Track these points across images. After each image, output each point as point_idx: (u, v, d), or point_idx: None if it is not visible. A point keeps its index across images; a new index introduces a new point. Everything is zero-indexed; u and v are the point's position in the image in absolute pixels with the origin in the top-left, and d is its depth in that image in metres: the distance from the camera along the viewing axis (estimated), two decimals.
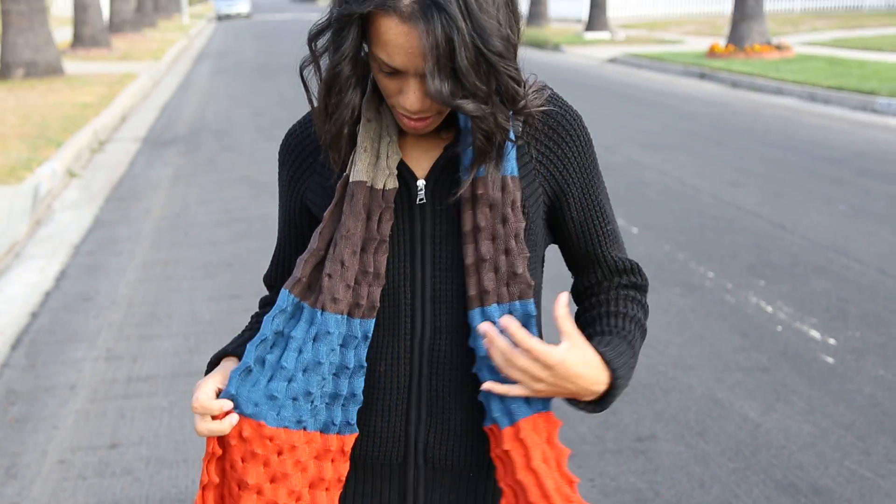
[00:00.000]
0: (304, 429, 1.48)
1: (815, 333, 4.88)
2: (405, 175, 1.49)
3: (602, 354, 1.47)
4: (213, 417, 1.46)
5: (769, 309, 5.25)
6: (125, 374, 4.66)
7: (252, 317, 1.69)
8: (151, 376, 4.62)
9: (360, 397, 1.51)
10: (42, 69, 17.54)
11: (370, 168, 1.46)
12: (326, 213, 1.48)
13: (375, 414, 1.53)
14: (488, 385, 1.43)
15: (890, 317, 5.09)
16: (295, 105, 14.54)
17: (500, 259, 1.46)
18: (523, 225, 1.47)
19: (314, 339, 1.47)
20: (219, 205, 8.15)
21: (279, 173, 1.64)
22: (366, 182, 1.45)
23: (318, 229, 1.48)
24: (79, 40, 23.99)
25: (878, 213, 7.21)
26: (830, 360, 4.55)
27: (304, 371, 1.47)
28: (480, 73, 1.30)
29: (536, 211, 1.54)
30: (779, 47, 19.07)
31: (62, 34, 27.28)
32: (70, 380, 4.60)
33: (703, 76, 17.35)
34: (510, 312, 1.47)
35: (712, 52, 19.32)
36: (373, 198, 1.46)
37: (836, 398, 4.15)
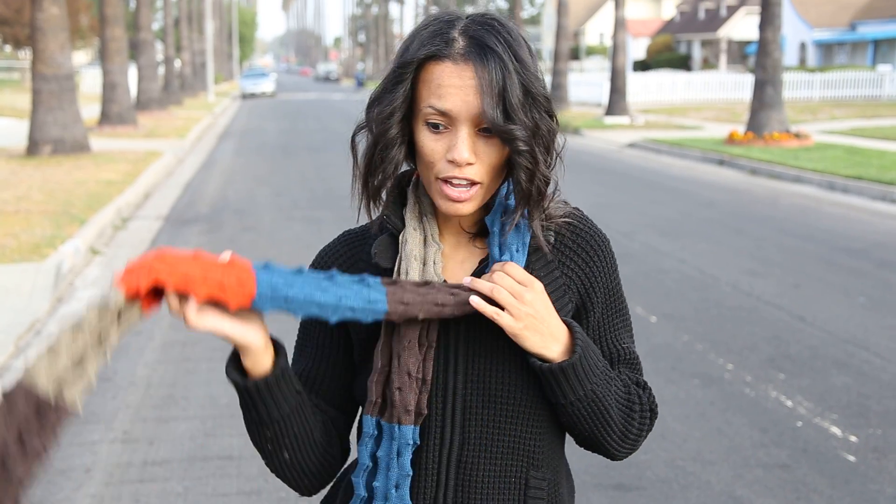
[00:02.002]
0: None
1: (835, 430, 4.83)
2: None
3: (563, 319, 1.50)
4: None
5: (789, 403, 5.21)
6: (141, 457, 4.65)
7: None
8: (167, 460, 4.61)
9: None
10: (69, 146, 17.84)
11: (421, 277, 1.50)
12: (385, 327, 1.50)
13: None
14: (475, 300, 1.43)
15: None
16: (316, 185, 14.71)
17: None
18: None
19: (398, 455, 1.49)
20: None
21: None
22: None
23: (379, 346, 1.50)
24: (106, 118, 24.46)
25: None
26: (852, 458, 4.50)
27: (397, 488, 1.50)
28: (527, 109, 1.42)
29: None
30: (798, 135, 19.21)
31: (90, 111, 27.78)
32: (86, 462, 4.60)
33: (721, 163, 17.46)
34: None
35: (731, 139, 19.47)
36: None
37: (858, 498, 4.09)
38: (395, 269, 1.51)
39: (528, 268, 1.52)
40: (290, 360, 1.59)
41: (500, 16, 1.48)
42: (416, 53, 1.44)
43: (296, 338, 1.71)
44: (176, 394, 5.53)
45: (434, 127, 1.44)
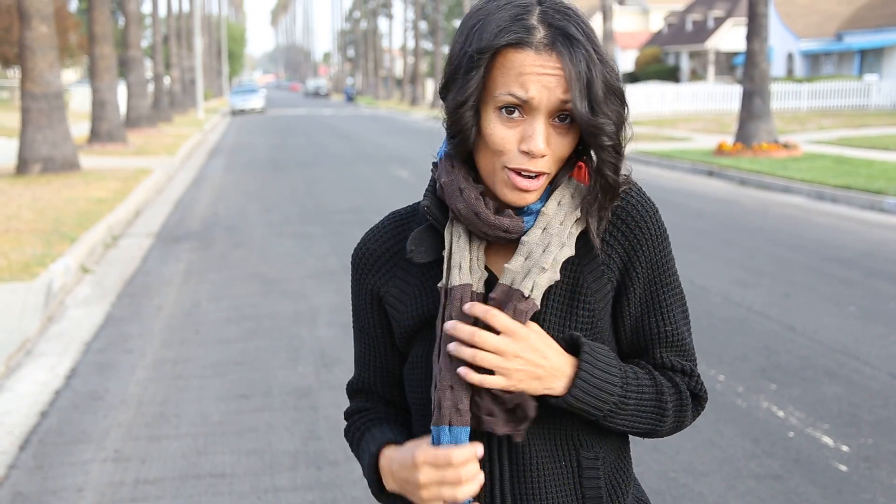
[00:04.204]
0: None
1: (827, 440, 4.84)
2: (489, 277, 1.52)
3: (568, 337, 1.47)
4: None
5: (781, 414, 5.22)
6: (133, 476, 4.63)
7: (349, 430, 1.70)
8: (159, 479, 4.59)
9: None
10: (59, 164, 17.82)
11: (469, 272, 1.48)
12: (439, 328, 1.48)
13: None
14: (462, 370, 1.42)
15: None
16: (306, 200, 14.71)
17: None
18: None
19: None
20: (229, 302, 8.20)
21: (355, 281, 1.65)
22: (471, 285, 1.47)
23: (436, 351, 1.48)
24: (96, 135, 24.44)
25: (888, 315, 7.20)
26: (843, 467, 4.51)
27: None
28: (609, 102, 1.40)
29: (604, 308, 1.54)
30: (786, 146, 19.28)
31: (80, 129, 27.76)
32: (77, 482, 4.58)
33: (711, 174, 17.52)
34: None
35: (720, 150, 19.54)
36: (473, 300, 1.47)
37: None
38: (446, 262, 1.48)
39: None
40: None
41: (573, 5, 1.44)
42: (494, 40, 1.39)
43: (354, 341, 1.72)
44: (167, 412, 5.52)
45: (509, 113, 1.41)
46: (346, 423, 1.74)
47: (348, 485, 4.44)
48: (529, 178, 1.43)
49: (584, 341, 1.47)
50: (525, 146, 1.40)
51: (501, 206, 1.49)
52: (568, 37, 1.38)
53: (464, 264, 1.47)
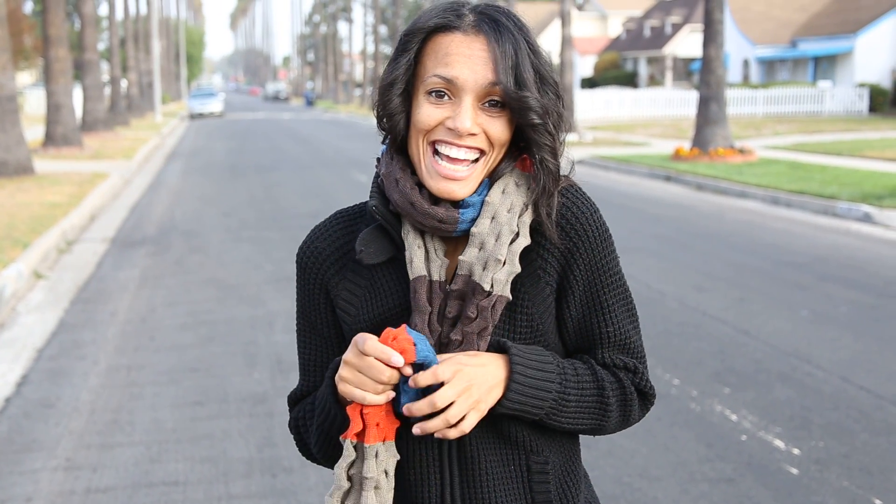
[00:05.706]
0: None
1: (779, 443, 4.89)
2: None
3: (495, 342, 1.46)
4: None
5: (734, 417, 5.27)
6: (84, 485, 4.57)
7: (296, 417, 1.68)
8: (111, 487, 4.53)
9: None
10: (12, 168, 17.59)
11: (425, 262, 1.48)
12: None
13: None
14: (440, 434, 1.43)
15: (853, 426, 5.11)
16: (265, 205, 14.63)
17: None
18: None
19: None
20: (185, 308, 8.12)
21: (304, 280, 1.64)
22: (426, 276, 1.47)
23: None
24: (50, 139, 24.13)
25: (840, 319, 7.30)
26: (795, 470, 4.56)
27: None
28: (538, 87, 1.41)
29: (545, 311, 1.52)
30: (742, 151, 19.50)
31: (34, 133, 27.40)
32: (27, 491, 4.51)
33: (668, 178, 17.66)
34: None
35: (677, 155, 19.71)
36: (432, 290, 1.47)
37: None
38: (409, 260, 1.47)
39: None
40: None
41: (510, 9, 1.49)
42: (424, 23, 1.43)
43: (298, 342, 1.71)
44: (121, 419, 5.45)
45: (438, 96, 1.41)
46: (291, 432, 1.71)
47: (303, 492, 4.41)
48: (457, 162, 1.42)
49: (511, 346, 1.46)
50: (451, 123, 1.41)
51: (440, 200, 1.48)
52: (495, 21, 1.42)
53: (415, 259, 1.47)
